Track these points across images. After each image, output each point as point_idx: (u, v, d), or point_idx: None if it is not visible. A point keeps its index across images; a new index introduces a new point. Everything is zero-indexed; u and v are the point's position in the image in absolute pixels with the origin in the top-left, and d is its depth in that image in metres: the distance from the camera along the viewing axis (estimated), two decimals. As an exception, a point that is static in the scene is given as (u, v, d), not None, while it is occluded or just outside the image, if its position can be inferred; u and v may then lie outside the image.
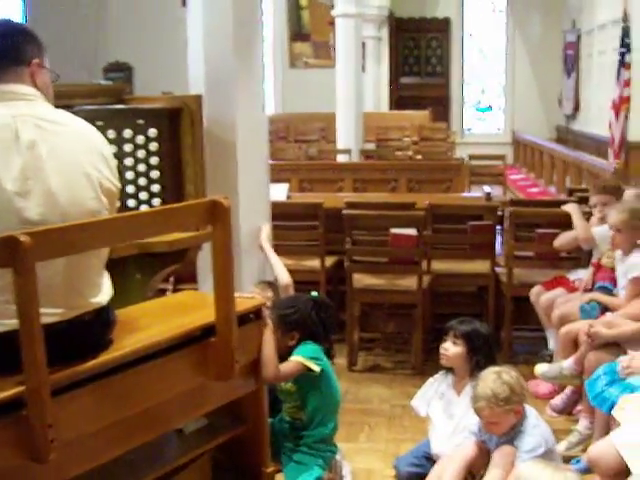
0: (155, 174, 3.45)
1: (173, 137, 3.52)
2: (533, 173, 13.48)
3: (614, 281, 4.72)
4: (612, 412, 3.47)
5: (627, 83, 10.53)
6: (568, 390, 4.58)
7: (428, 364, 5.31)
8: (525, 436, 3.42)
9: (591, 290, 4.82)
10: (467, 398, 3.88)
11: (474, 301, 6.10)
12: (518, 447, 3.39)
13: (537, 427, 3.47)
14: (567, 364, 4.26)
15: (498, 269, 5.74)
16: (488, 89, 17.05)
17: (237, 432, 3.32)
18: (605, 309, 4.55)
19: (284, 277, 4.36)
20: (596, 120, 12.76)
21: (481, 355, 3.87)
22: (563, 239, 5.24)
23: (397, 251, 5.28)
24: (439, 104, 16.30)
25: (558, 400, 4.62)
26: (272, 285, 4.18)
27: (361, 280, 5.50)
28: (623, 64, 10.53)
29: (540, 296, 5.30)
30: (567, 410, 4.58)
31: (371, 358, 5.74)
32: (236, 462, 3.37)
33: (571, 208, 5.32)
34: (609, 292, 4.70)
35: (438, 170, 9.47)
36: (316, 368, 3.55)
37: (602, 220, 5.09)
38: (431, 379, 4.11)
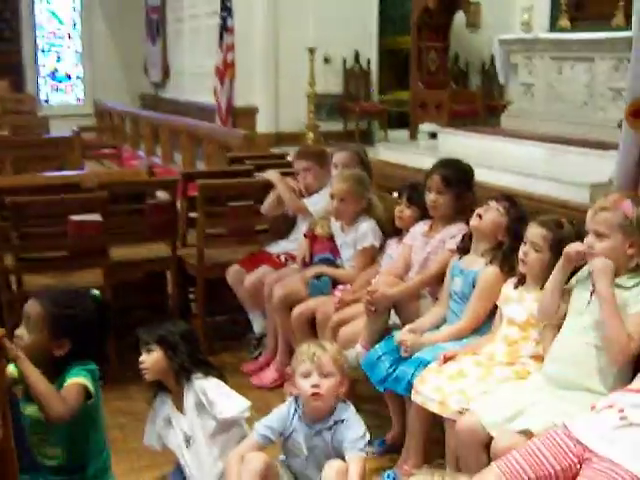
0: None
1: None
2: (128, 144, 12.79)
3: (334, 251, 4.41)
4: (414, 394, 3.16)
5: (230, 47, 10.34)
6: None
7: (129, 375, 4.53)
8: (350, 424, 2.97)
9: (310, 263, 4.44)
10: (192, 410, 3.23)
11: (151, 290, 5.40)
12: (345, 438, 2.95)
13: (357, 414, 3.05)
14: (360, 349, 3.66)
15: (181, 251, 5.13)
16: (65, 57, 15.84)
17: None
18: (334, 282, 4.23)
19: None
20: (190, 87, 12.48)
21: (184, 355, 3.24)
22: (269, 203, 4.83)
23: (81, 241, 4.40)
24: (12, 73, 14.78)
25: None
26: None
27: (31, 282, 4.51)
28: (226, 28, 10.30)
29: (238, 276, 4.81)
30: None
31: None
32: None
33: (273, 176, 4.87)
34: (332, 264, 4.37)
35: (48, 146, 8.44)
36: (92, 390, 2.76)
37: (307, 187, 4.75)
38: (151, 410, 3.39)
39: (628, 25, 8.32)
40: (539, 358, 3.09)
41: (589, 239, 2.79)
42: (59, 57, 15.79)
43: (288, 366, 4.34)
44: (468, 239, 3.53)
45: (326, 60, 10.70)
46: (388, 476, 3.39)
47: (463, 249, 3.55)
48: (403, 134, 10.69)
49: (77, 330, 2.76)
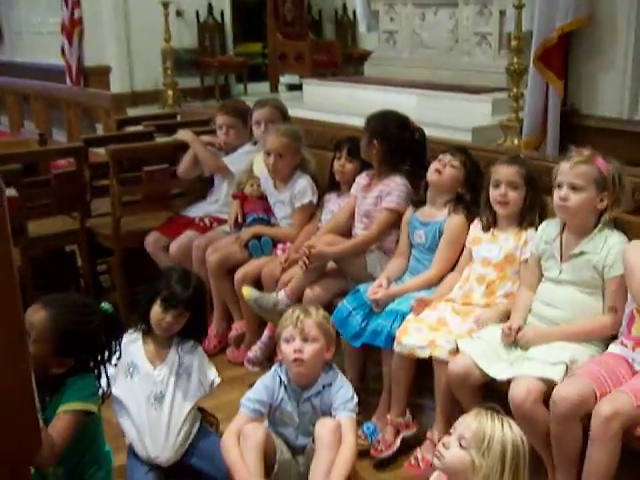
0: None
1: None
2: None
3: (267, 211, 4.32)
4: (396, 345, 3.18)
5: (76, 3, 9.77)
6: (264, 337, 4.04)
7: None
8: (338, 387, 2.95)
9: (242, 224, 4.33)
10: (170, 369, 3.05)
11: (54, 267, 5.08)
12: (334, 400, 2.93)
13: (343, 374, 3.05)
14: (282, 296, 3.70)
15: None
16: None
17: None
18: (274, 242, 4.16)
19: None
20: (30, 47, 11.76)
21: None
22: (186, 164, 4.67)
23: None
24: None
25: (254, 352, 4.04)
26: None
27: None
28: (69, -18, 9.72)
29: (159, 244, 4.63)
30: (266, 359, 4.01)
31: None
32: None
33: (187, 136, 4.69)
34: (267, 223, 4.28)
35: None
36: (94, 408, 2.51)
37: (227, 144, 4.62)
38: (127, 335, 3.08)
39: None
40: (512, 296, 3.16)
41: (564, 191, 2.86)
42: None
43: (228, 330, 4.32)
44: (423, 191, 3.55)
45: (179, 13, 10.34)
46: (368, 428, 3.37)
47: (418, 201, 3.57)
48: (262, 87, 10.54)
49: (83, 348, 2.49)
